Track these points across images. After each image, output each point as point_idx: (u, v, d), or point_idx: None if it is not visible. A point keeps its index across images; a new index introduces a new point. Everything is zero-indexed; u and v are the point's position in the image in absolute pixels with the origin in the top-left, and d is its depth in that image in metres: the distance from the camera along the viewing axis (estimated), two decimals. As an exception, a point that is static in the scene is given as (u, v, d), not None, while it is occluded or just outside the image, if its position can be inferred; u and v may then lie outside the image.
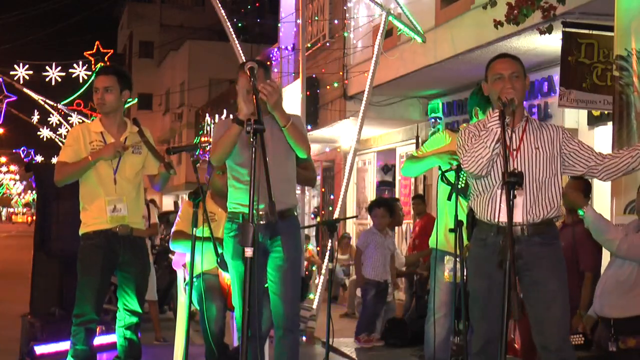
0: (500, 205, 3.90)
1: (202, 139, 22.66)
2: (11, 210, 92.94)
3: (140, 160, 5.07)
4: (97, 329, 5.12)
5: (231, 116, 4.59)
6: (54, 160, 28.80)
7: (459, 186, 4.88)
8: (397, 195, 13.82)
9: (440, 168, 5.09)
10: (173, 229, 5.64)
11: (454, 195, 4.83)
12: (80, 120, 23.99)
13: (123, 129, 5.08)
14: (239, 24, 12.11)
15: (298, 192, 13.13)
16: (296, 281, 4.53)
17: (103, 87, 4.99)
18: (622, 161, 3.95)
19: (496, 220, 3.89)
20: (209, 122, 22.77)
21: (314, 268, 12.84)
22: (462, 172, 4.81)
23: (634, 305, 5.15)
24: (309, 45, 13.39)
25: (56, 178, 4.99)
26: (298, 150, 4.45)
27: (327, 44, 13.64)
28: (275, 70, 16.18)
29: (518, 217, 3.89)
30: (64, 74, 22.40)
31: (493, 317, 3.89)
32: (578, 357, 5.54)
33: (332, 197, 15.65)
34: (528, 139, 3.99)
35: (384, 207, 8.60)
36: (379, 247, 8.40)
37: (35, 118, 27.48)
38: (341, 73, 12.62)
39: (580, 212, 5.12)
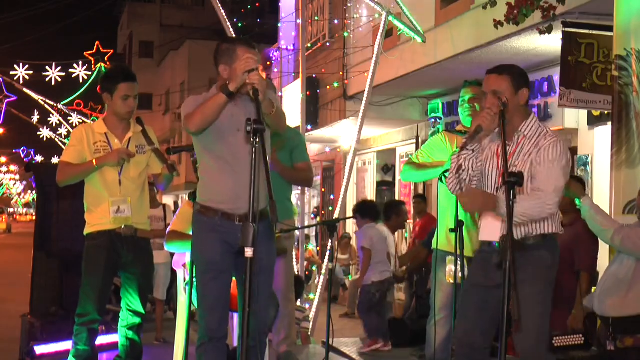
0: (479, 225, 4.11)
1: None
2: (11, 210, 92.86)
3: (144, 159, 5.07)
4: (99, 329, 5.12)
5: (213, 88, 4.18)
6: (54, 160, 28.94)
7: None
8: (397, 196, 13.84)
9: (440, 168, 5.11)
10: (168, 229, 5.61)
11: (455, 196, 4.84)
12: (81, 120, 24.01)
13: (127, 129, 5.08)
14: (239, 24, 12.08)
15: (298, 192, 13.16)
16: (266, 294, 4.24)
17: (134, 95, 5.00)
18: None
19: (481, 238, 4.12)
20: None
21: (314, 268, 12.85)
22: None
23: (631, 305, 5.17)
24: (309, 45, 13.39)
25: (58, 178, 4.99)
26: (277, 130, 4.20)
27: (327, 44, 13.64)
28: (275, 70, 16.19)
29: (495, 237, 3.97)
30: (64, 74, 22.43)
31: (471, 318, 4.03)
32: (578, 357, 5.57)
33: (332, 197, 15.66)
34: (518, 156, 3.96)
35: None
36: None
37: (35, 118, 27.53)
38: (341, 73, 12.62)
39: (578, 202, 5.13)
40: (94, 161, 4.88)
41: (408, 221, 12.81)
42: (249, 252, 3.46)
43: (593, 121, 8.47)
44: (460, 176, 4.04)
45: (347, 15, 12.65)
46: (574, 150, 8.82)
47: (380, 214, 8.56)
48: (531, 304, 3.83)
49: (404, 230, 13.21)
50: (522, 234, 3.93)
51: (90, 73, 22.31)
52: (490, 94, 3.94)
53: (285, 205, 5.55)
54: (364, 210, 8.33)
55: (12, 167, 66.50)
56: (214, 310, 4.16)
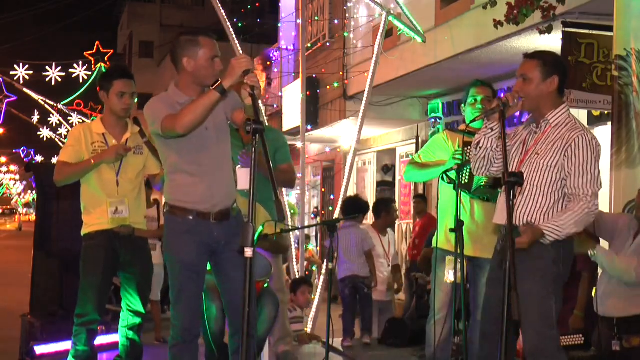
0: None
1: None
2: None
3: (141, 160, 5.08)
4: (98, 329, 5.12)
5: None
6: (54, 160, 28.91)
7: (463, 182, 4.88)
8: (397, 195, 13.85)
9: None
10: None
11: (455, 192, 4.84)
12: (80, 120, 24.00)
13: (125, 130, 5.08)
14: (239, 24, 12.09)
15: (298, 192, 13.15)
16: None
17: (131, 92, 4.99)
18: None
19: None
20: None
21: (314, 268, 12.84)
22: (465, 169, 4.82)
23: (636, 304, 5.16)
24: (309, 45, 13.39)
25: (56, 178, 4.99)
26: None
27: (327, 44, 13.64)
28: (275, 70, 16.19)
29: (502, 219, 3.94)
30: (64, 74, 22.43)
31: (490, 312, 4.02)
32: (578, 357, 5.56)
33: (332, 197, 15.66)
34: (542, 145, 3.95)
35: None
36: None
37: (35, 118, 27.51)
38: (341, 73, 12.62)
39: (592, 254, 5.13)
40: (92, 160, 4.88)
41: (406, 221, 12.85)
42: (248, 252, 3.46)
43: (593, 121, 8.47)
44: (479, 154, 4.03)
45: (347, 15, 12.64)
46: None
47: (365, 210, 8.66)
48: (534, 300, 3.81)
49: (405, 230, 13.22)
50: (525, 220, 3.92)
51: (90, 73, 22.32)
52: (519, 77, 3.97)
53: (269, 206, 5.55)
54: (345, 210, 8.48)
55: (12, 167, 66.48)
56: (189, 311, 4.17)
